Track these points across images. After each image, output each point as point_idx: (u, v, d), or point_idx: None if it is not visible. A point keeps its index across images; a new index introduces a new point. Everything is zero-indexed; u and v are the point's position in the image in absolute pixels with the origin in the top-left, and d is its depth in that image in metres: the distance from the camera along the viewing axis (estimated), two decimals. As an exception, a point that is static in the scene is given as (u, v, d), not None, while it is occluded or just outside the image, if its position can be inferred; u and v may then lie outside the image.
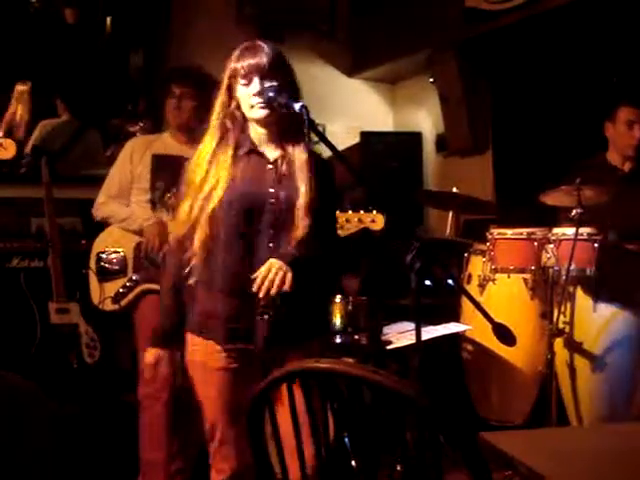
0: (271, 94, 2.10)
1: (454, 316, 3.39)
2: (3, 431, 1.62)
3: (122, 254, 3.07)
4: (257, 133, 2.20)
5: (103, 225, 3.19)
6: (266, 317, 2.13)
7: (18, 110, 4.30)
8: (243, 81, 2.13)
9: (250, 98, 2.13)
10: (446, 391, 3.39)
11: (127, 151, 3.15)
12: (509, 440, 1.44)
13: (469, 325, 3.25)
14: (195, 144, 3.09)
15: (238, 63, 2.14)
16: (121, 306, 3.03)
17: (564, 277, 3.07)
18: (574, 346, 3.15)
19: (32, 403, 1.76)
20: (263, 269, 2.08)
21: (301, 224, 2.11)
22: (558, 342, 3.13)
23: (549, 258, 3.20)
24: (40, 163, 3.82)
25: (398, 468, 2.78)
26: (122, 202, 3.13)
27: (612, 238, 3.22)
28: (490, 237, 3.39)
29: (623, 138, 3.51)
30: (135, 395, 3.04)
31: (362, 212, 3.19)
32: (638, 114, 3.48)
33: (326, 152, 2.23)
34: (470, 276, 3.48)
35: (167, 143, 3.15)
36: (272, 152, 2.20)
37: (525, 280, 3.29)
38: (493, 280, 3.35)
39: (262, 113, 2.13)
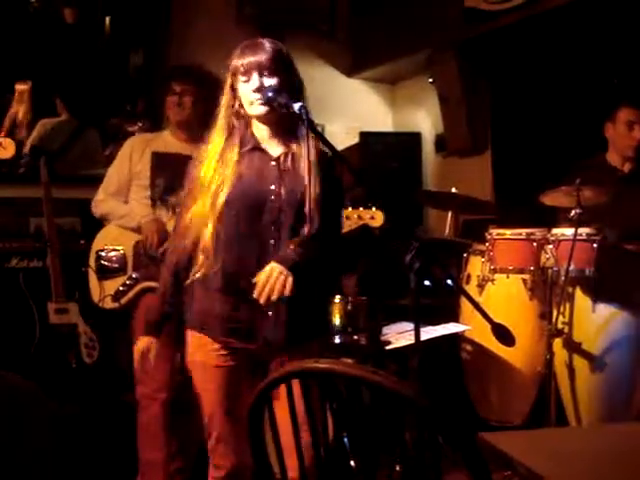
0: (270, 94, 2.10)
1: (453, 316, 3.39)
2: (3, 431, 1.62)
3: (121, 252, 3.07)
4: (260, 130, 2.21)
5: (102, 225, 3.19)
6: (270, 313, 2.13)
7: (20, 110, 4.30)
8: (243, 78, 2.14)
9: (249, 94, 2.13)
10: (445, 391, 3.39)
11: (126, 149, 3.15)
12: (508, 440, 1.44)
13: (468, 325, 3.25)
14: (195, 142, 3.12)
15: (239, 60, 2.15)
16: (121, 304, 3.03)
17: (563, 277, 3.07)
18: (573, 346, 3.15)
19: (32, 403, 1.75)
20: (263, 274, 2.08)
21: (311, 220, 2.11)
22: (557, 342, 3.13)
23: (548, 258, 3.20)
24: (39, 163, 3.82)
25: (397, 468, 2.78)
26: (120, 199, 3.13)
27: (611, 238, 3.22)
28: (489, 237, 3.39)
29: (623, 139, 3.51)
30: (134, 395, 3.04)
31: (361, 209, 3.19)
32: (638, 115, 3.48)
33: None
34: (469, 276, 3.48)
35: (167, 141, 3.15)
36: (275, 149, 2.20)
37: (524, 280, 3.29)
38: (492, 280, 3.35)
39: (261, 110, 2.13)
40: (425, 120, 5.43)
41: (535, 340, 3.23)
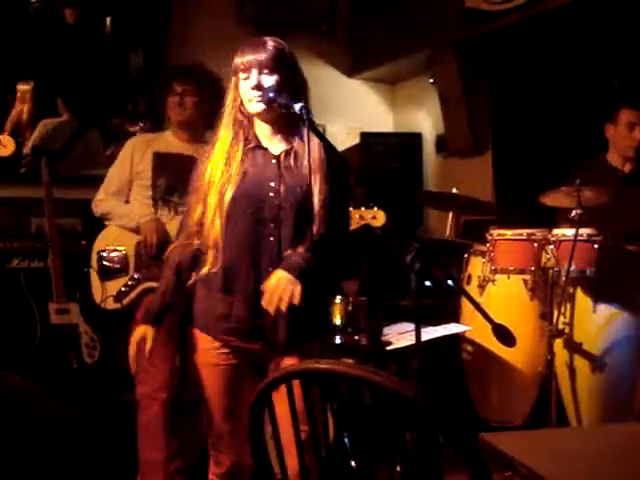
0: (271, 94, 2.10)
1: (454, 317, 3.39)
2: (3, 431, 1.62)
3: (123, 253, 3.07)
4: (262, 129, 2.21)
5: (103, 225, 3.18)
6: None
7: (24, 110, 4.31)
8: (243, 75, 2.15)
9: (248, 92, 2.14)
10: (446, 392, 3.39)
11: (128, 149, 3.15)
12: (509, 441, 1.44)
13: (469, 326, 3.25)
14: (196, 142, 3.13)
15: (239, 58, 2.16)
16: (123, 305, 3.02)
17: (564, 278, 3.07)
18: (574, 347, 3.15)
19: (32, 403, 1.76)
20: (271, 283, 2.08)
21: (318, 221, 2.11)
22: (558, 343, 3.13)
23: (549, 259, 3.20)
24: (40, 163, 3.82)
25: (398, 469, 2.77)
26: (121, 199, 3.13)
27: (612, 239, 3.22)
28: (490, 238, 3.39)
29: (624, 140, 3.52)
30: (134, 395, 3.04)
31: (363, 209, 3.19)
32: (639, 116, 3.48)
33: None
34: (470, 277, 3.48)
35: (169, 141, 3.15)
36: (277, 147, 2.21)
37: (525, 281, 3.29)
38: (493, 281, 3.35)
39: (258, 107, 2.14)
40: (426, 120, 5.43)
41: (536, 340, 3.23)
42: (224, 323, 2.18)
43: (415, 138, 5.46)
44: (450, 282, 2.70)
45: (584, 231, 3.10)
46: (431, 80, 5.05)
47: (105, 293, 3.05)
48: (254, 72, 2.12)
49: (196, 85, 3.06)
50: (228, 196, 2.14)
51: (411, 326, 2.86)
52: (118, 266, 3.06)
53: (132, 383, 3.06)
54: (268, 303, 2.07)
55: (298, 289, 2.06)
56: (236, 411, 2.17)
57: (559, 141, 4.22)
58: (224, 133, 2.20)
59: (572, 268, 3.02)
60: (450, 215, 4.04)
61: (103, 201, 3.14)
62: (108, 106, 4.64)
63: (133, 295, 3.02)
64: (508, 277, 3.33)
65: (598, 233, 3.16)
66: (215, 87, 3.07)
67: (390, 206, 2.92)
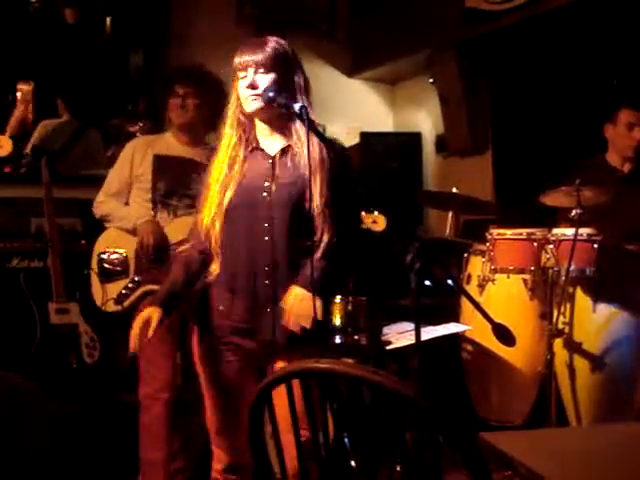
0: (271, 93, 2.11)
1: (454, 316, 3.39)
2: (3, 431, 1.62)
3: (124, 255, 3.06)
4: (261, 129, 2.22)
5: (103, 226, 3.18)
6: (269, 311, 2.13)
7: (29, 109, 4.31)
8: (241, 75, 2.16)
9: (243, 91, 2.15)
10: (446, 391, 3.39)
11: (128, 152, 3.15)
12: (509, 440, 1.44)
13: (469, 325, 3.25)
14: (197, 144, 3.13)
15: (238, 58, 2.16)
16: (124, 307, 3.02)
17: (564, 277, 3.07)
18: (574, 346, 3.15)
19: (32, 403, 1.76)
20: (289, 302, 2.09)
21: (321, 224, 2.11)
22: (558, 342, 3.13)
23: (549, 258, 3.20)
24: (40, 163, 3.82)
25: (398, 468, 2.78)
26: (121, 201, 3.13)
27: (613, 239, 3.22)
28: (490, 237, 3.39)
29: (623, 140, 3.52)
30: (134, 395, 3.04)
31: (363, 213, 3.19)
32: (638, 116, 3.48)
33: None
34: (470, 276, 3.48)
35: (169, 143, 3.14)
36: (274, 147, 2.21)
37: (525, 280, 3.29)
38: (492, 280, 3.35)
39: (254, 106, 2.14)
40: (425, 120, 5.43)
41: (535, 340, 3.23)
42: (224, 322, 2.20)
43: (415, 138, 5.46)
44: (450, 282, 2.70)
45: (584, 231, 3.10)
46: (431, 80, 5.06)
47: (105, 295, 3.05)
48: (250, 71, 2.13)
49: (198, 87, 3.05)
50: (227, 198, 2.16)
51: (411, 326, 2.85)
52: (118, 268, 3.06)
53: (132, 383, 3.06)
54: (290, 324, 2.09)
55: (318, 304, 2.07)
56: (236, 410, 2.18)
57: (559, 141, 4.22)
58: (227, 134, 2.22)
59: (572, 268, 3.02)
60: (450, 215, 4.04)
61: (103, 203, 3.14)
62: (108, 106, 4.64)
63: (133, 297, 3.01)
64: (508, 277, 3.33)
65: (598, 233, 3.16)
66: (216, 89, 3.07)
67: (390, 206, 2.92)
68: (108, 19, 4.72)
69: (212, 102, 3.05)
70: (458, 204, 3.97)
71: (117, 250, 3.08)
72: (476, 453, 1.20)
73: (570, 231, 3.08)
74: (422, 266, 1.83)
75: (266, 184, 2.17)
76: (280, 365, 2.14)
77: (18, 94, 4.32)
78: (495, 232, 3.39)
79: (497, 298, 3.33)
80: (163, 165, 3.08)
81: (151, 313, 2.17)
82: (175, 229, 3.01)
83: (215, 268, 2.20)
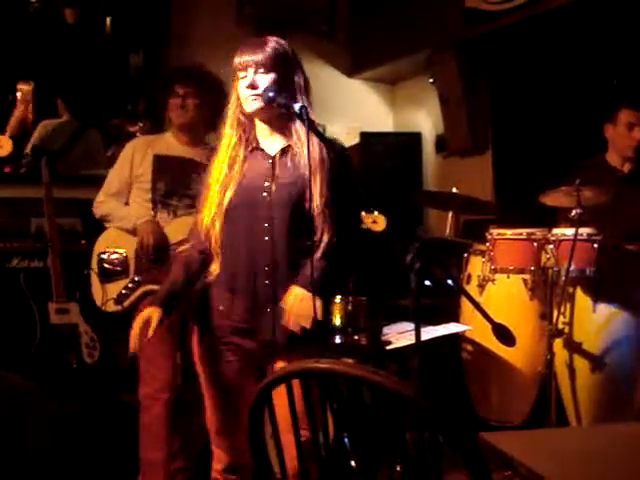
0: (271, 93, 2.11)
1: (454, 316, 3.39)
2: (3, 431, 1.62)
3: (124, 255, 3.06)
4: (261, 129, 2.23)
5: (103, 226, 3.18)
6: (268, 310, 2.13)
7: (29, 109, 4.31)
8: (240, 75, 2.16)
9: (243, 91, 2.15)
10: (446, 391, 3.39)
11: (128, 152, 3.15)
12: (509, 440, 1.44)
13: (469, 325, 3.25)
14: (197, 145, 3.14)
15: (238, 58, 2.17)
16: (124, 307, 3.02)
17: (563, 277, 3.07)
18: (573, 346, 3.15)
19: (32, 403, 1.76)
20: (289, 302, 2.09)
21: (321, 224, 2.11)
22: (557, 342, 3.13)
23: (549, 258, 3.20)
24: (40, 163, 3.82)
25: (398, 468, 2.78)
26: (121, 201, 3.13)
27: (612, 239, 3.22)
28: (490, 237, 3.39)
29: (623, 140, 3.52)
30: (134, 395, 3.04)
31: (364, 213, 3.19)
32: (638, 117, 3.48)
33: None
34: (470, 276, 3.48)
35: (169, 143, 3.14)
36: (273, 147, 2.21)
37: (525, 280, 3.29)
38: (492, 280, 3.35)
39: (253, 106, 2.14)
40: (425, 120, 5.43)
41: (536, 340, 3.23)
42: (224, 322, 2.20)
43: (415, 138, 5.46)
44: (450, 282, 2.70)
45: (584, 231, 3.10)
46: (431, 80, 5.06)
47: (105, 295, 3.05)
48: (250, 71, 2.14)
49: (198, 87, 3.05)
50: (227, 198, 2.16)
51: (411, 326, 2.85)
52: (118, 268, 3.06)
53: (131, 383, 3.06)
54: (290, 324, 2.09)
55: (318, 304, 2.06)
56: (236, 410, 2.18)
57: (559, 141, 4.22)
58: (227, 134, 2.22)
59: (572, 268, 3.02)
60: (450, 215, 4.04)
61: (103, 203, 3.14)
62: (108, 106, 4.64)
63: (133, 298, 3.01)
64: (508, 277, 3.33)
65: (598, 233, 3.16)
66: (216, 89, 3.07)
67: (390, 206, 2.92)
68: (108, 19, 4.72)
69: (212, 102, 3.06)
70: (458, 204, 3.97)
71: (117, 250, 3.08)
72: (476, 453, 1.20)
73: (570, 231, 3.08)
74: (422, 266, 1.83)
75: (266, 184, 2.17)
76: (280, 365, 2.14)
77: (18, 94, 4.32)
78: (495, 232, 3.39)
79: (497, 298, 3.33)
80: (163, 165, 3.08)
81: (151, 313, 2.16)
82: (175, 229, 3.01)
83: (215, 268, 2.21)
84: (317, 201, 2.11)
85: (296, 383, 1.40)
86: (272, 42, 2.17)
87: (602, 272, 3.12)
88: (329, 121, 5.07)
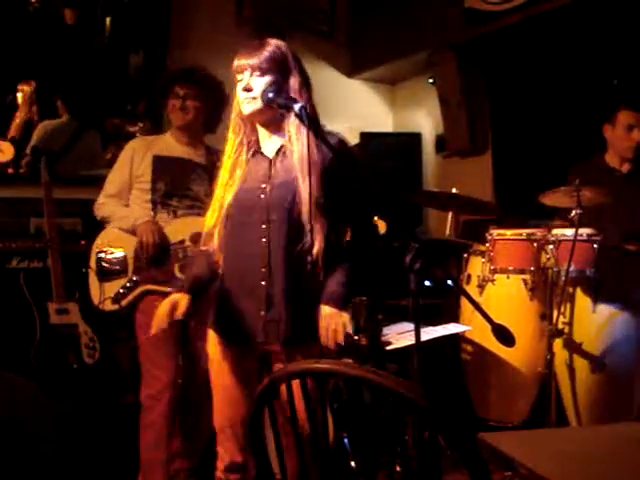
0: (270, 95, 2.11)
1: (453, 317, 3.39)
2: (3, 431, 1.62)
3: (122, 254, 3.06)
4: (261, 131, 2.24)
5: (103, 225, 3.19)
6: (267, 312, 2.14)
7: (33, 110, 4.31)
8: (238, 77, 2.17)
9: (239, 94, 2.16)
10: (445, 392, 3.39)
11: (128, 152, 3.15)
12: (509, 441, 1.44)
13: (468, 326, 3.25)
14: (196, 145, 3.14)
15: (236, 61, 2.18)
16: (121, 306, 3.02)
17: (563, 278, 3.07)
18: (573, 347, 3.15)
19: (32, 403, 1.76)
20: (322, 324, 2.13)
21: (310, 221, 2.11)
22: (557, 343, 3.13)
23: (548, 259, 3.20)
24: (39, 163, 3.82)
25: (397, 468, 2.78)
26: (121, 202, 3.13)
27: (612, 239, 3.22)
28: (489, 238, 3.39)
29: (622, 141, 3.51)
30: (134, 395, 3.05)
31: None
32: (637, 118, 3.48)
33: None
34: (469, 277, 3.48)
35: (169, 144, 3.14)
36: (271, 149, 2.22)
37: (524, 281, 3.29)
38: (492, 281, 3.35)
39: (249, 109, 2.16)
40: (425, 120, 5.43)
41: (535, 340, 3.23)
42: (225, 321, 2.23)
43: (415, 138, 5.46)
44: (450, 282, 2.70)
45: (583, 231, 3.10)
46: (431, 80, 5.06)
47: (103, 294, 3.05)
48: (247, 74, 2.15)
49: (198, 88, 3.05)
50: (227, 201, 2.19)
51: (411, 326, 2.84)
52: (117, 267, 3.06)
53: (131, 383, 3.06)
54: (327, 341, 2.13)
55: (346, 320, 2.14)
56: (239, 408, 2.19)
57: (558, 142, 4.22)
58: (231, 138, 2.25)
59: (572, 268, 3.03)
60: (450, 215, 4.04)
61: (104, 205, 3.14)
62: (107, 107, 4.63)
63: (131, 297, 3.01)
64: (508, 277, 3.33)
65: (597, 233, 3.16)
66: (216, 90, 3.07)
67: (390, 207, 2.91)
68: (108, 19, 4.71)
69: (212, 103, 3.06)
70: (458, 204, 3.97)
71: (116, 249, 3.08)
72: (476, 453, 1.20)
73: (570, 231, 3.09)
74: (422, 266, 1.83)
75: (263, 186, 2.18)
76: (279, 366, 2.14)
77: (19, 95, 4.32)
78: (495, 232, 3.39)
79: (497, 298, 3.34)
80: (163, 166, 3.08)
81: (179, 299, 2.22)
82: (175, 229, 3.01)
83: (221, 271, 2.25)
84: (304, 203, 2.11)
85: (296, 383, 1.40)
86: (270, 45, 2.17)
87: (602, 272, 3.12)
88: (329, 121, 5.04)
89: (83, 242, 3.77)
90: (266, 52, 2.15)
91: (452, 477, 1.67)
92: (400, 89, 5.74)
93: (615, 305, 3.12)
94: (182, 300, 2.22)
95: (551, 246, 3.20)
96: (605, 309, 3.13)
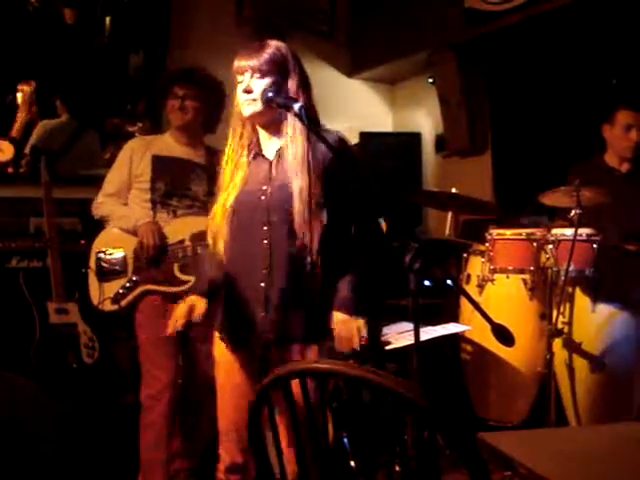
0: (270, 94, 2.11)
1: (453, 316, 3.39)
2: (3, 431, 1.62)
3: (122, 254, 3.06)
4: (261, 133, 2.24)
5: (102, 225, 3.18)
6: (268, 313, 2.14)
7: (32, 111, 4.31)
8: (239, 79, 2.17)
9: (239, 95, 2.16)
10: (445, 391, 3.39)
11: (127, 152, 3.14)
12: (509, 441, 1.44)
13: (468, 325, 3.25)
14: (196, 145, 3.13)
15: (236, 62, 2.18)
16: (121, 306, 3.02)
17: (563, 278, 3.07)
18: (573, 346, 3.15)
19: (32, 403, 1.76)
20: (337, 331, 2.13)
21: (299, 219, 2.10)
22: (557, 342, 3.13)
23: (548, 259, 3.21)
24: (39, 163, 3.82)
25: (397, 468, 2.78)
26: (120, 202, 3.12)
27: (612, 238, 3.22)
28: (489, 237, 3.39)
29: (621, 141, 3.51)
30: (134, 395, 3.05)
31: None
32: (636, 117, 3.47)
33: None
34: (469, 276, 3.48)
35: (168, 144, 3.14)
36: (271, 150, 2.22)
37: (524, 280, 3.30)
38: (492, 280, 3.35)
39: (249, 110, 2.16)
40: (425, 120, 5.43)
41: (535, 340, 3.24)
42: (227, 321, 2.23)
43: (414, 138, 5.46)
44: (449, 282, 2.70)
45: (583, 231, 3.10)
46: (430, 80, 5.06)
47: (103, 294, 3.05)
48: (247, 76, 2.15)
49: (197, 89, 3.05)
50: (229, 203, 2.19)
51: (410, 326, 2.84)
52: (117, 267, 3.06)
53: (131, 383, 3.06)
54: (343, 348, 2.13)
55: (361, 325, 2.15)
56: (240, 409, 2.19)
57: (558, 141, 4.22)
58: (231, 139, 2.25)
59: (571, 268, 3.03)
60: (449, 215, 4.04)
61: (102, 204, 3.13)
62: (107, 107, 4.63)
63: (131, 297, 3.01)
64: (507, 277, 3.33)
65: (597, 233, 3.16)
66: (216, 91, 3.07)
67: (389, 206, 2.91)
68: (107, 19, 4.71)
69: (211, 104, 3.06)
70: (458, 204, 3.97)
71: (115, 249, 3.08)
72: (475, 453, 1.20)
73: (569, 231, 3.09)
74: (421, 266, 1.83)
75: (264, 188, 2.18)
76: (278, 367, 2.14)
77: (19, 95, 4.32)
78: (494, 232, 3.39)
79: (496, 298, 3.34)
80: (162, 165, 3.08)
81: (196, 301, 2.22)
82: (175, 229, 3.01)
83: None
84: (296, 205, 2.11)
85: (295, 383, 1.40)
86: (270, 47, 2.17)
87: (601, 272, 3.12)
88: (329, 121, 5.04)
89: (83, 242, 3.77)
90: (266, 54, 2.15)
91: (451, 477, 1.67)
92: (400, 89, 5.75)
93: (614, 305, 3.13)
94: (199, 303, 2.22)
95: (551, 246, 3.20)
96: (604, 309, 3.13)
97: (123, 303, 3.02)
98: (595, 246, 3.13)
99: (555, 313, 3.10)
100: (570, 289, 3.17)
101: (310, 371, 1.36)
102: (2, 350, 3.47)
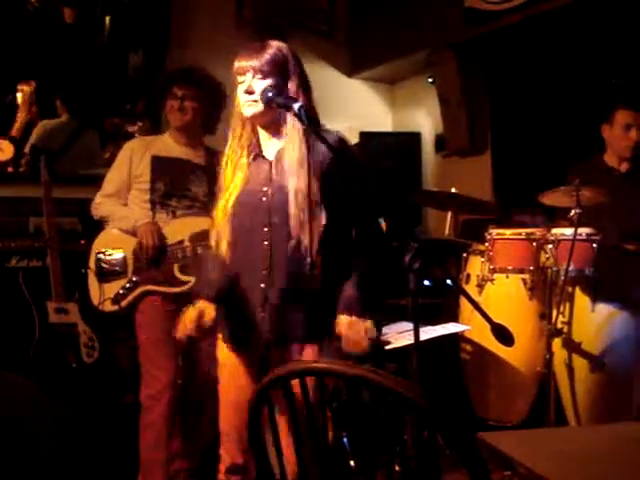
0: (270, 94, 2.11)
1: (453, 316, 3.39)
2: (3, 431, 1.62)
3: (122, 255, 3.06)
4: (262, 134, 2.24)
5: (102, 225, 3.18)
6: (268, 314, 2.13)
7: (32, 111, 4.31)
8: (240, 79, 2.17)
9: (241, 96, 2.16)
10: (444, 391, 3.39)
11: (126, 152, 3.14)
12: (508, 440, 1.44)
13: (468, 325, 3.25)
14: (195, 146, 3.13)
15: (237, 63, 2.18)
16: (121, 307, 3.02)
17: (563, 277, 3.07)
18: (572, 346, 3.15)
19: (32, 403, 1.76)
20: (345, 334, 2.11)
21: (294, 221, 2.10)
22: (557, 342, 3.13)
23: (548, 258, 3.21)
24: (39, 163, 3.82)
25: (397, 468, 2.78)
26: (119, 202, 3.12)
27: (612, 238, 3.22)
28: (489, 237, 3.39)
29: (620, 140, 3.51)
30: (134, 395, 3.05)
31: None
32: (635, 117, 3.47)
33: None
34: (469, 276, 3.48)
35: (167, 144, 3.14)
36: (271, 151, 2.22)
37: (524, 280, 3.30)
38: (492, 280, 3.35)
39: (250, 111, 2.16)
40: (425, 120, 5.44)
41: (535, 340, 3.24)
42: (228, 322, 2.23)
43: (414, 138, 5.47)
44: (449, 281, 2.70)
45: (583, 231, 3.10)
46: (430, 80, 5.06)
47: (103, 295, 3.05)
48: (248, 76, 2.15)
49: (197, 89, 3.05)
50: (230, 204, 2.18)
51: (410, 325, 2.85)
52: (117, 268, 3.05)
53: (131, 383, 3.06)
54: (351, 350, 2.12)
55: (368, 326, 2.12)
56: (241, 410, 2.19)
57: (557, 141, 4.22)
58: (231, 140, 2.25)
59: (571, 267, 3.03)
60: (449, 214, 4.04)
61: (102, 204, 3.13)
62: (107, 106, 4.63)
63: (131, 298, 3.01)
64: (507, 276, 3.33)
65: (596, 233, 3.16)
66: (215, 91, 3.07)
67: (389, 206, 2.91)
68: (107, 18, 4.71)
69: (210, 104, 3.06)
70: (457, 204, 3.97)
71: (115, 250, 3.08)
72: (475, 453, 1.20)
73: (569, 231, 3.09)
74: (421, 266, 1.83)
75: (264, 189, 2.18)
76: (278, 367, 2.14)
77: (19, 95, 4.32)
78: (494, 232, 3.39)
79: (496, 298, 3.34)
80: (161, 166, 3.08)
81: (205, 308, 2.19)
82: (174, 229, 3.01)
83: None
84: (291, 208, 2.11)
85: (295, 383, 1.40)
86: (271, 48, 2.17)
87: (601, 272, 3.12)
88: (329, 121, 5.04)
89: (82, 241, 3.77)
90: (268, 54, 2.15)
91: (451, 476, 1.67)
92: (400, 89, 5.75)
93: (614, 304, 3.13)
94: (208, 309, 2.19)
95: (550, 245, 3.20)
96: (604, 308, 3.13)
97: (123, 304, 3.02)
98: (595, 246, 3.13)
99: (555, 313, 3.10)
100: (570, 289, 3.17)
101: (310, 371, 1.36)
102: (2, 350, 3.47)
